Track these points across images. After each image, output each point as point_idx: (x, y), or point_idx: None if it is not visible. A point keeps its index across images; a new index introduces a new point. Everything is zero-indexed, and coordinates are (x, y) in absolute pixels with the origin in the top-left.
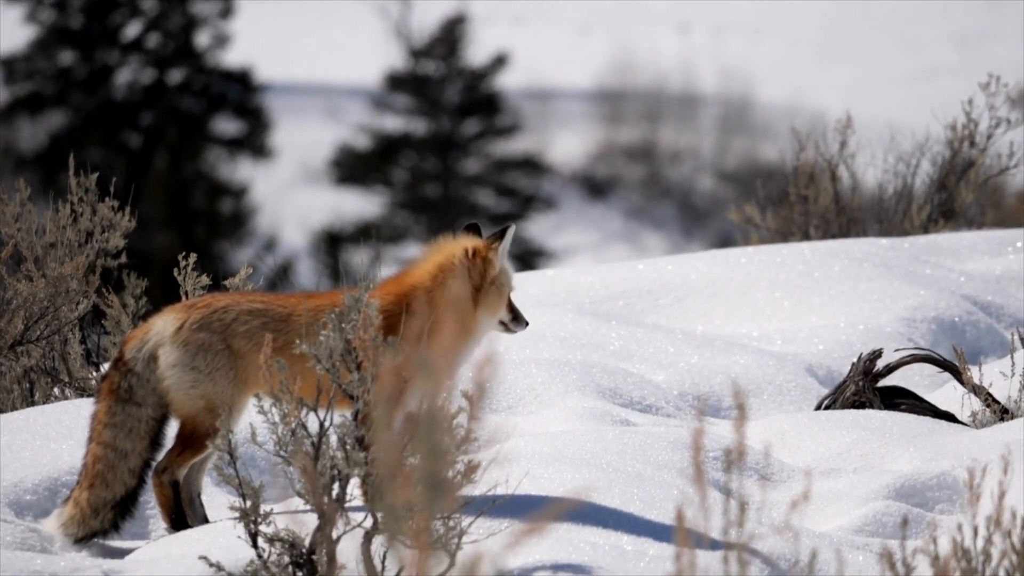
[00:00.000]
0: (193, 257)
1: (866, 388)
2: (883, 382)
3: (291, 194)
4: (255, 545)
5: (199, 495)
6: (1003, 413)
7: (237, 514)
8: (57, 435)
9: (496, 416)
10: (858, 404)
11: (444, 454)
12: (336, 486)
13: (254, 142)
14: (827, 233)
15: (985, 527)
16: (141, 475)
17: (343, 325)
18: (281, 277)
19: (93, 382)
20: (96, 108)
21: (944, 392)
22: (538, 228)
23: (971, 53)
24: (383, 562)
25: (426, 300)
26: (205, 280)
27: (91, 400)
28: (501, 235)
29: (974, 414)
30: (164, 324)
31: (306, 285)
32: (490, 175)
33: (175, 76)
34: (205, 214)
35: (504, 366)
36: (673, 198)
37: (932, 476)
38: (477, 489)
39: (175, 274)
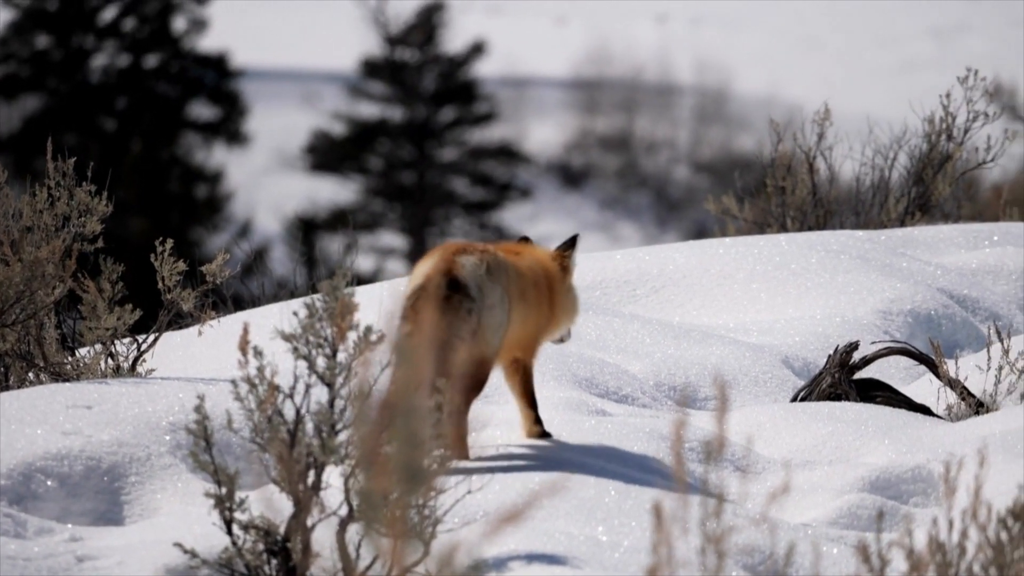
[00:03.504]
0: (170, 243)
1: (842, 380)
2: (859, 374)
3: (266, 180)
4: (230, 532)
5: None
6: (978, 407)
7: (212, 501)
8: (32, 420)
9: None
10: (834, 396)
11: (420, 443)
12: (312, 473)
13: (229, 127)
14: (804, 225)
15: (960, 521)
16: None
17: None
18: (256, 263)
19: (68, 367)
20: (71, 92)
21: (920, 385)
22: (513, 217)
23: (948, 46)
24: (358, 550)
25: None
26: (181, 266)
27: (67, 384)
28: (571, 244)
29: (949, 407)
30: (472, 263)
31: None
32: (466, 163)
33: (151, 60)
34: (180, 199)
35: None
36: (648, 188)
37: (907, 469)
38: (452, 478)
39: (151, 259)
